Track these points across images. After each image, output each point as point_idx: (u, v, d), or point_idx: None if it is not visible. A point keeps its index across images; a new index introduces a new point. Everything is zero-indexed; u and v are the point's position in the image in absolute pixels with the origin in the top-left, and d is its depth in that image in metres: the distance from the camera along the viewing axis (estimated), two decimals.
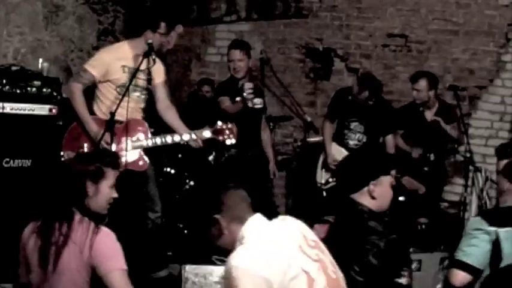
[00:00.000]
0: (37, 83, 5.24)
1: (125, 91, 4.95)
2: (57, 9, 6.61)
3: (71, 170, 3.41)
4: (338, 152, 6.43)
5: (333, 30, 8.15)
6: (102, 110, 5.16)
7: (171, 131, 5.26)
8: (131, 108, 5.03)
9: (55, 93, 5.34)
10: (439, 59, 7.82)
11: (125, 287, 3.14)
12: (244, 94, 5.78)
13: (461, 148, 7.22)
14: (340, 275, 2.82)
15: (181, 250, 5.74)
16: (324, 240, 2.91)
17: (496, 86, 7.75)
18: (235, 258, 2.64)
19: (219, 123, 5.08)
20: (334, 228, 3.43)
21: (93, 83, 5.15)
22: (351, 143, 6.57)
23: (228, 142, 5.11)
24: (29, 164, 5.14)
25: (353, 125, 6.57)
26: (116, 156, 3.80)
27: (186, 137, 5.16)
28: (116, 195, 3.41)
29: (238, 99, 5.88)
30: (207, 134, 5.14)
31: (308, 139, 7.15)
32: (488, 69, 7.73)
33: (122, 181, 5.03)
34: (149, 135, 5.15)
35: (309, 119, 7.31)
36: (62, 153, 5.14)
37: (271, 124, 6.94)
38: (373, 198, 3.33)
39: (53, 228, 3.22)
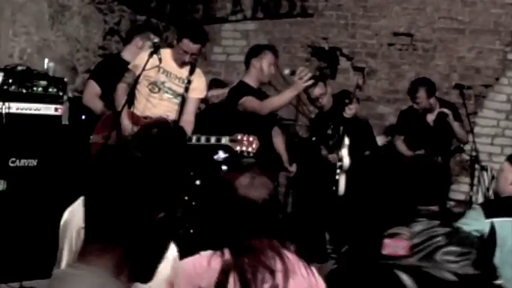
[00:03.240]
0: (43, 82, 5.26)
1: (132, 87, 5.17)
2: (63, 9, 6.63)
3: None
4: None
5: (339, 29, 8.15)
6: (136, 106, 5.38)
7: None
8: (164, 106, 5.39)
9: (61, 93, 5.36)
10: (445, 57, 7.81)
11: None
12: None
13: (467, 147, 7.22)
14: None
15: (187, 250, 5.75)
16: (407, 257, 2.71)
17: (502, 84, 7.73)
18: None
19: (239, 136, 5.10)
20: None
21: (135, 81, 5.26)
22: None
23: (245, 152, 5.12)
24: (34, 164, 5.16)
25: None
26: None
27: (203, 139, 5.27)
28: None
29: None
30: (224, 140, 5.19)
31: (313, 138, 7.13)
32: (494, 68, 7.71)
33: None
34: None
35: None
36: (91, 136, 5.42)
37: None
38: None
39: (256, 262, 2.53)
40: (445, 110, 6.72)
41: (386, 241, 2.76)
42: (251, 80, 6.04)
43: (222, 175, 2.60)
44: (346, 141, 6.17)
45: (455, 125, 6.72)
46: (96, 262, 1.65)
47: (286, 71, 5.92)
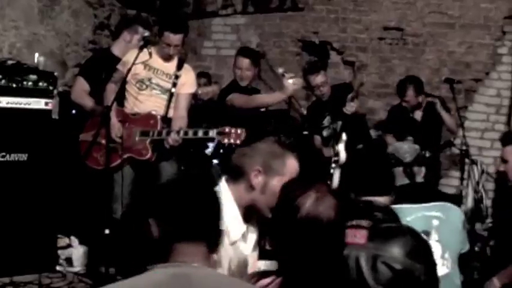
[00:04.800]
0: (33, 77, 5.24)
1: (121, 84, 5.14)
2: (53, 3, 6.60)
3: None
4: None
5: (329, 24, 8.14)
6: (125, 104, 5.43)
7: None
8: (152, 102, 5.41)
9: (51, 88, 5.34)
10: (435, 52, 7.82)
11: None
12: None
13: (457, 141, 7.24)
14: None
15: None
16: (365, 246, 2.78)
17: (492, 79, 7.75)
18: None
19: (227, 128, 5.09)
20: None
21: (123, 79, 5.23)
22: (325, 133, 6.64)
23: (233, 145, 5.13)
24: (25, 158, 5.14)
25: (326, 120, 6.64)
26: None
27: (190, 133, 5.25)
28: None
29: None
30: (212, 133, 5.19)
31: (304, 132, 7.14)
32: (484, 62, 7.74)
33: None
34: (158, 128, 5.29)
35: (305, 112, 7.31)
36: (80, 135, 5.50)
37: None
38: None
39: None
40: (433, 100, 6.76)
41: (347, 231, 2.80)
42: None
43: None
44: (344, 136, 6.18)
45: (444, 114, 6.74)
46: (200, 260, 1.97)
47: (280, 70, 5.97)
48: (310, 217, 2.26)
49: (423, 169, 4.04)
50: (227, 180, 2.83)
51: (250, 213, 2.84)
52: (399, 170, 3.93)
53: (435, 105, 6.72)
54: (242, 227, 2.80)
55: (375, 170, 3.35)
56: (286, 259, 2.28)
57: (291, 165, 2.82)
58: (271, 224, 2.44)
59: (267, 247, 4.64)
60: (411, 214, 3.56)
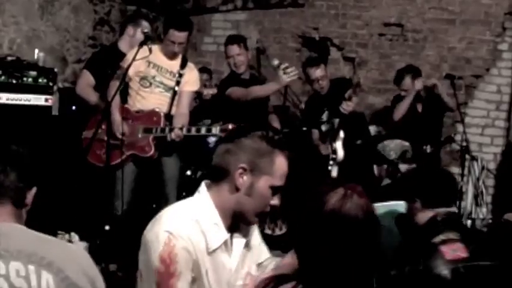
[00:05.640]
0: (33, 73, 5.24)
1: (122, 81, 5.10)
2: None
3: None
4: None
5: (329, 19, 8.14)
6: (128, 101, 5.44)
7: None
8: (155, 99, 5.40)
9: (51, 84, 5.33)
10: (436, 48, 7.82)
11: None
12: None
13: (458, 137, 7.24)
14: None
15: None
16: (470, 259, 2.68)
17: (492, 75, 7.75)
18: None
19: (230, 125, 5.08)
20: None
21: (124, 76, 5.23)
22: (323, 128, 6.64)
23: None
24: None
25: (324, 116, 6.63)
26: None
27: (193, 130, 5.28)
28: None
29: None
30: (215, 130, 5.21)
31: (303, 128, 7.14)
32: (484, 58, 7.73)
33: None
34: (161, 125, 5.31)
35: (303, 107, 7.30)
36: (83, 132, 5.49)
37: None
38: None
39: None
40: (434, 82, 6.74)
41: (443, 248, 2.68)
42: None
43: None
44: (341, 134, 6.18)
45: (444, 95, 6.71)
46: (7, 217, 2.27)
47: (275, 62, 5.97)
48: (336, 213, 2.05)
49: (413, 166, 4.00)
50: (208, 185, 2.54)
51: (236, 221, 2.55)
52: (384, 167, 3.93)
53: (435, 87, 6.68)
54: (224, 234, 2.49)
55: (439, 182, 3.25)
56: (307, 258, 2.11)
57: (280, 164, 2.51)
58: (295, 219, 2.21)
59: (276, 233, 4.59)
60: (395, 211, 3.54)
